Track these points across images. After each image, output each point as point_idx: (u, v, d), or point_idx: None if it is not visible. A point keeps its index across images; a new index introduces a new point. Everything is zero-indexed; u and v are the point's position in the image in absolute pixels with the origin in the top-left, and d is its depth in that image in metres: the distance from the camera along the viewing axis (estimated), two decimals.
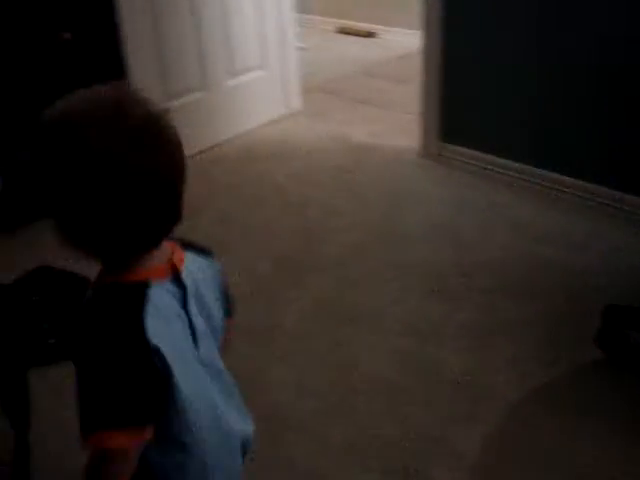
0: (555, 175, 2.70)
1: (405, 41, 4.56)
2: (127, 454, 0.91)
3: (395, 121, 3.53)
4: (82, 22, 2.77)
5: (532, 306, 2.14)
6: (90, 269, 0.99)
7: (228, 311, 1.14)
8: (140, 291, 0.92)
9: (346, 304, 2.21)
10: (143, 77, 2.94)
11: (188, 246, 1.05)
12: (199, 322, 1.01)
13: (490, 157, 2.88)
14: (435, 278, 2.30)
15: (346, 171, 3.04)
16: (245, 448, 1.14)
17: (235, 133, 3.41)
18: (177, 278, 0.97)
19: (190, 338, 0.99)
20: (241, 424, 1.12)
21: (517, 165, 2.81)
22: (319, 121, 3.61)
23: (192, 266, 1.01)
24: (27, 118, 2.55)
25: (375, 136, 3.37)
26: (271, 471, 1.62)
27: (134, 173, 0.86)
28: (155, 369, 0.89)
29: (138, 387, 0.90)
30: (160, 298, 0.93)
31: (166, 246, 0.97)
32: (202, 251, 1.10)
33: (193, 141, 3.20)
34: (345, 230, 2.61)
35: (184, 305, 0.97)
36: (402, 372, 1.93)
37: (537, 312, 2.11)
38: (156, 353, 0.89)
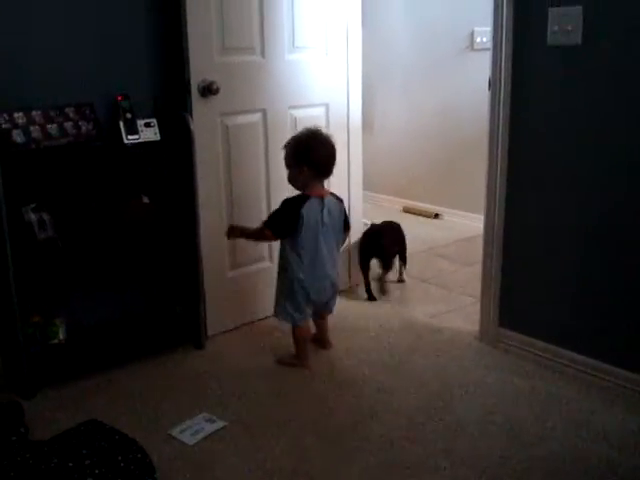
0: (620, 371, 2.64)
1: (470, 224, 4.67)
2: (269, 238, 2.87)
3: (456, 303, 3.55)
4: (160, 188, 2.99)
5: None
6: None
7: (346, 227, 2.95)
8: (307, 197, 2.74)
9: None
10: (213, 245, 3.10)
11: (333, 194, 2.88)
12: (325, 218, 2.75)
13: (551, 347, 2.85)
14: (486, 471, 2.21)
15: (402, 350, 3.04)
16: (333, 286, 2.91)
17: None
18: (322, 199, 2.76)
19: (319, 218, 2.74)
20: (331, 270, 2.85)
21: (579, 357, 2.76)
22: (380, 298, 3.65)
23: (329, 200, 2.80)
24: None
25: (435, 317, 3.39)
26: None
27: (310, 146, 2.75)
28: (298, 218, 2.69)
29: (286, 222, 2.73)
30: (312, 202, 2.73)
31: (323, 188, 2.83)
32: (338, 198, 2.89)
33: (256, 307, 3.30)
34: (396, 411, 2.56)
35: (322, 209, 2.75)
36: None
37: None
38: (301, 215, 2.70)
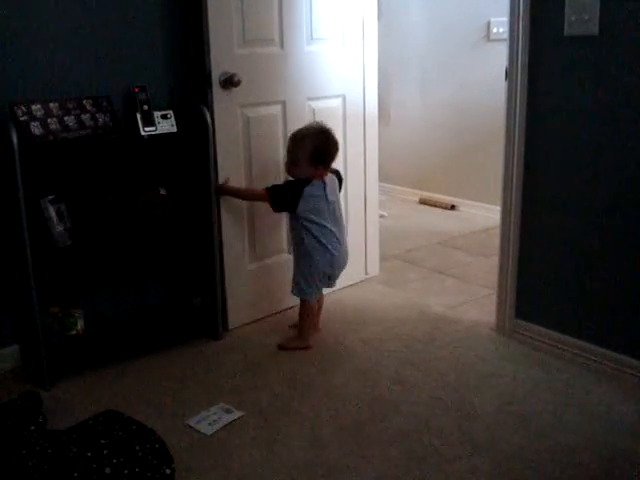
0: (638, 362, 2.62)
1: (487, 215, 4.66)
2: (264, 200, 2.94)
3: (472, 294, 3.55)
4: (177, 180, 3.00)
5: None
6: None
7: (339, 182, 3.07)
8: (309, 181, 2.85)
9: None
10: (233, 237, 3.11)
11: (335, 172, 3.03)
12: (330, 196, 2.89)
13: (568, 338, 2.84)
14: (503, 461, 2.21)
15: (419, 341, 3.04)
16: (347, 255, 3.04)
17: None
18: (323, 180, 2.87)
19: (325, 200, 2.87)
20: (343, 242, 3.00)
21: (595, 348, 2.75)
22: (396, 289, 3.66)
23: (330, 179, 2.93)
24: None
25: (451, 308, 3.38)
26: None
27: (325, 148, 2.87)
28: (298, 197, 2.83)
29: (287, 197, 2.88)
30: (313, 185, 2.85)
31: (324, 172, 2.89)
32: (338, 175, 3.06)
33: (276, 300, 3.31)
34: (412, 402, 2.57)
35: (324, 189, 2.87)
36: None
37: None
38: (302, 195, 2.83)
